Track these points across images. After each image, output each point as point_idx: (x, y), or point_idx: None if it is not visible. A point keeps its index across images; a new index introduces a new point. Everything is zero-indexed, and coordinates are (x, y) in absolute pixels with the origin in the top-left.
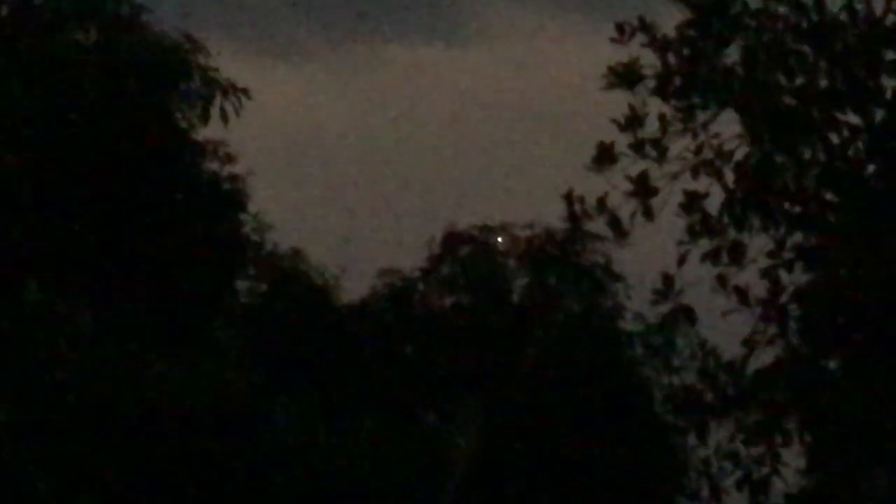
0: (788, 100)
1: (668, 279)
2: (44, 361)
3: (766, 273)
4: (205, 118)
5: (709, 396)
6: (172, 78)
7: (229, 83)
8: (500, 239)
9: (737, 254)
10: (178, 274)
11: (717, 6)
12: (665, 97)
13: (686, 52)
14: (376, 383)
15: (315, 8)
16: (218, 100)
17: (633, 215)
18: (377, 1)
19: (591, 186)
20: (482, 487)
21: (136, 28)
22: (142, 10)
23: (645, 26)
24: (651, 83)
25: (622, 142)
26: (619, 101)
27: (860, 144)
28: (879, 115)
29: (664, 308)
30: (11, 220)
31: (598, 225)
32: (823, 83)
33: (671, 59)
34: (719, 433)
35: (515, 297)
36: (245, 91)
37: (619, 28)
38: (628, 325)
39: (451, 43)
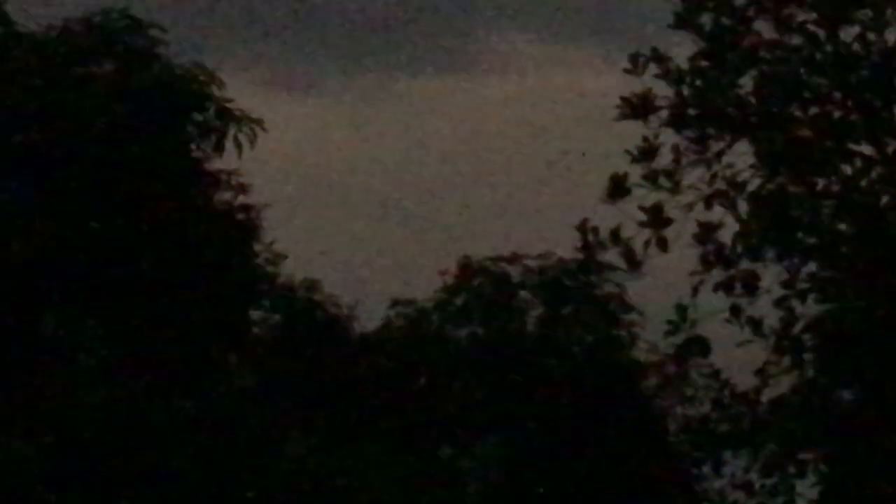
0: (802, 131)
1: (682, 309)
2: (59, 393)
3: (780, 303)
4: (219, 149)
5: (723, 427)
6: (187, 109)
7: (243, 114)
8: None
9: (751, 284)
10: (192, 305)
11: (731, 37)
12: (678, 128)
13: (699, 83)
14: (391, 415)
15: (328, 41)
16: (232, 131)
17: (646, 246)
18: (389, 33)
19: (605, 217)
20: None
21: (152, 60)
22: (157, 43)
23: (658, 57)
24: (664, 114)
25: (636, 173)
26: (632, 132)
27: (874, 175)
28: (893, 145)
29: (678, 339)
30: (28, 252)
31: (611, 256)
32: (837, 114)
33: (685, 90)
34: (734, 464)
35: (530, 328)
36: (259, 122)
37: (633, 59)
38: (642, 355)
39: (463, 75)
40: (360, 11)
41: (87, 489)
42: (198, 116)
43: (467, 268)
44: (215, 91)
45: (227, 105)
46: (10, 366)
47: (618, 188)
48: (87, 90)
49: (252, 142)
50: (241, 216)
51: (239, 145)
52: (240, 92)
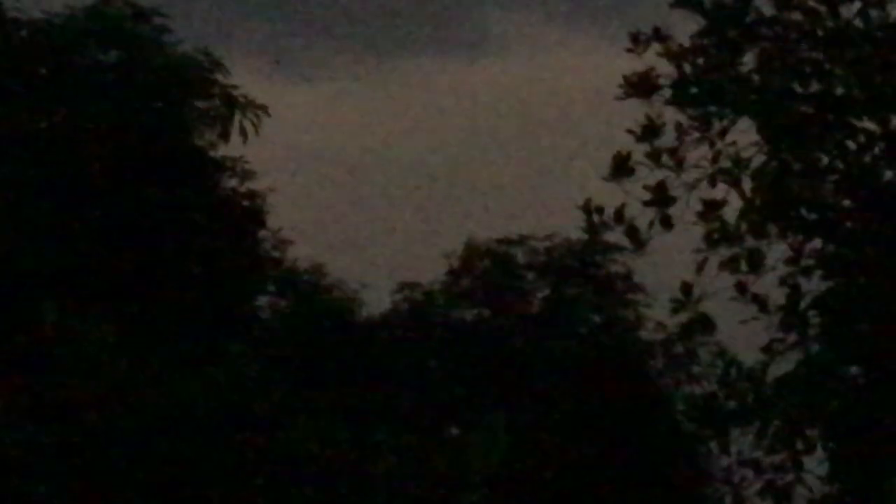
0: (804, 107)
1: (686, 288)
2: (63, 380)
3: (785, 280)
4: (224, 136)
5: (730, 404)
6: (191, 96)
7: (248, 100)
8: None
9: (755, 261)
10: (198, 291)
11: (732, 15)
12: (681, 106)
13: (701, 61)
14: (397, 397)
15: (332, 26)
16: (237, 117)
17: (651, 225)
18: (394, 17)
19: (609, 197)
20: (505, 499)
21: (157, 47)
22: (163, 30)
23: (660, 36)
24: (667, 92)
25: (639, 152)
26: (635, 111)
27: (877, 150)
28: (895, 121)
29: (683, 317)
30: (30, 239)
31: (616, 235)
32: (839, 90)
33: (687, 68)
34: (741, 441)
35: (535, 309)
36: (264, 108)
37: (634, 38)
38: (648, 334)
39: (467, 57)
40: None
41: (92, 476)
42: (202, 103)
43: (473, 250)
44: (220, 78)
45: (232, 92)
46: (13, 353)
47: (621, 167)
48: (90, 78)
49: (257, 128)
50: (246, 202)
51: (244, 132)
52: (246, 78)
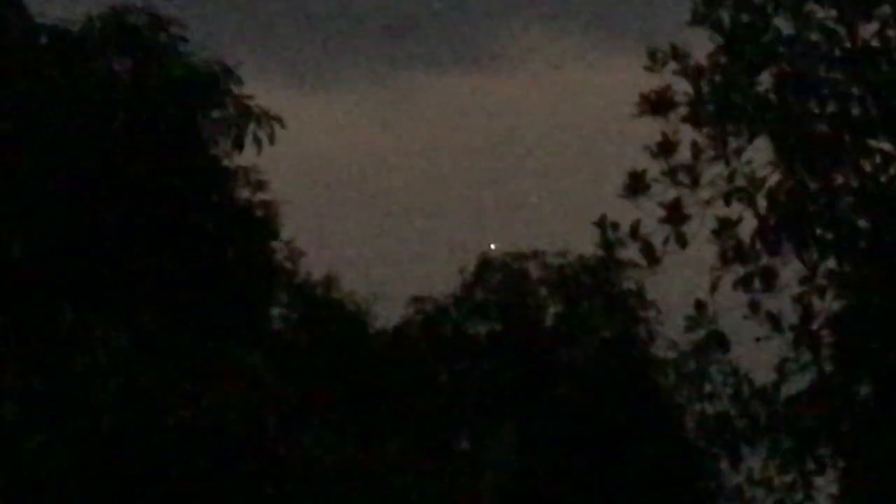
0: (821, 127)
1: (700, 305)
2: (78, 383)
3: (799, 299)
4: (238, 146)
5: (741, 423)
6: (206, 106)
7: (263, 111)
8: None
9: (769, 280)
10: (210, 301)
11: (750, 34)
12: (697, 124)
13: (718, 79)
14: (409, 409)
15: (350, 38)
16: (252, 127)
17: (665, 242)
18: (411, 31)
19: (624, 213)
20: None
21: (172, 56)
22: (178, 40)
23: (677, 54)
24: (683, 110)
25: (655, 169)
26: (651, 129)
27: (892, 171)
28: None
29: (697, 334)
30: (47, 243)
31: (630, 252)
32: (856, 110)
33: (704, 86)
34: (752, 460)
35: (548, 324)
36: (279, 119)
37: (652, 56)
38: (661, 351)
39: (483, 72)
40: (385, 10)
41: (106, 481)
42: (217, 113)
43: (486, 264)
44: (234, 88)
45: (247, 102)
46: (30, 357)
47: (637, 184)
48: (106, 85)
49: (272, 139)
50: (260, 213)
51: (258, 142)
52: (262, 89)
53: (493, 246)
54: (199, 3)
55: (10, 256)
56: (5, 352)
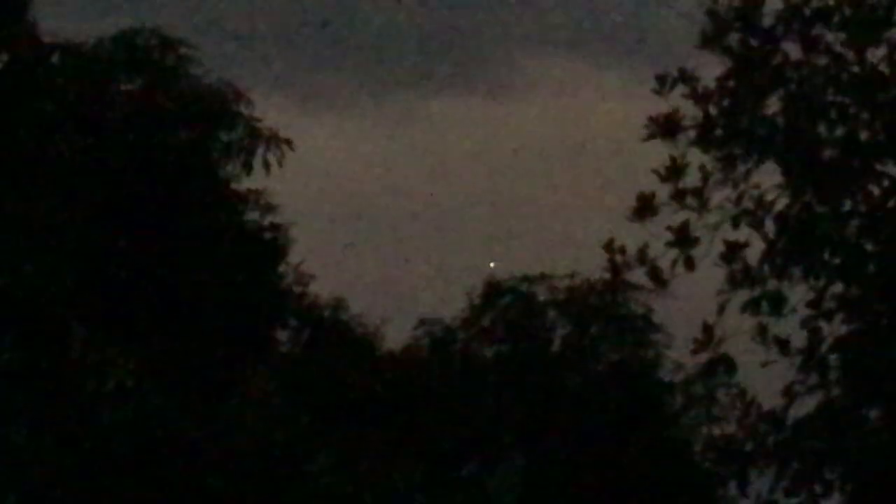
0: (829, 151)
1: (708, 329)
2: (89, 406)
3: (807, 323)
4: (247, 168)
5: (749, 446)
6: (215, 127)
7: (272, 133)
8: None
9: (777, 304)
10: (219, 324)
11: (758, 57)
12: (706, 148)
13: (727, 102)
14: (417, 432)
15: (358, 62)
16: (260, 150)
17: (673, 265)
18: (419, 54)
19: (632, 237)
20: None
21: (182, 78)
22: (188, 61)
23: (685, 77)
24: (692, 134)
25: (663, 192)
26: (659, 152)
27: None
28: None
29: (704, 358)
30: (57, 267)
31: (638, 275)
32: (864, 134)
33: (712, 109)
34: (759, 483)
35: (556, 347)
36: (288, 141)
37: (661, 79)
38: (668, 374)
39: (491, 96)
40: (393, 33)
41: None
42: (225, 136)
43: (494, 287)
44: (243, 110)
45: (256, 124)
46: (41, 380)
47: (645, 207)
48: (116, 107)
49: (280, 162)
50: (268, 235)
51: (267, 165)
52: (271, 111)
53: (492, 264)
54: (210, 26)
55: (23, 278)
56: (16, 373)
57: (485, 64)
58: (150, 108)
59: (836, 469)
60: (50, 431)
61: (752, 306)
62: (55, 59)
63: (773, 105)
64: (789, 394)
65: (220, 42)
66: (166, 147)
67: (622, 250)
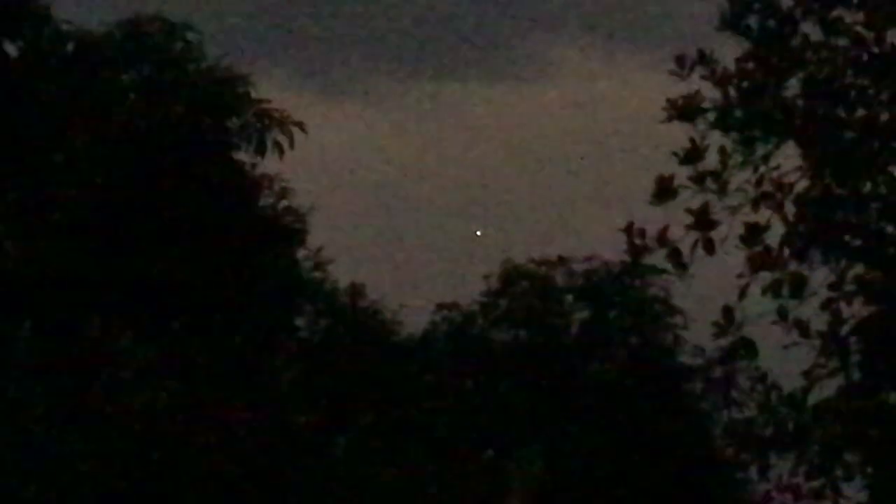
0: (849, 133)
1: (728, 312)
2: (106, 395)
3: (827, 306)
4: (260, 151)
5: (769, 430)
6: (225, 112)
7: (283, 115)
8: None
9: (798, 286)
10: (236, 310)
11: (778, 39)
12: (725, 130)
13: (746, 85)
14: (435, 418)
15: (379, 48)
16: (272, 133)
17: (693, 248)
18: (439, 42)
19: (652, 220)
20: None
21: (191, 64)
22: (196, 47)
23: (704, 59)
24: (711, 116)
25: (682, 175)
26: (678, 135)
27: None
28: None
29: (725, 341)
30: (74, 256)
31: (657, 258)
32: (884, 116)
33: (731, 92)
34: (780, 467)
35: (574, 332)
36: (300, 124)
37: (679, 61)
38: (687, 358)
39: (510, 82)
40: (410, 22)
41: (134, 490)
42: (236, 120)
43: (512, 272)
44: (253, 94)
45: (266, 107)
46: (58, 367)
47: (664, 191)
48: (127, 94)
49: (292, 143)
50: (285, 220)
51: (280, 148)
52: (290, 96)
53: (478, 233)
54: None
55: (39, 266)
56: (33, 362)
57: (502, 49)
58: (159, 94)
59: (857, 453)
60: (68, 420)
61: (772, 289)
62: (70, 47)
63: (792, 87)
64: (810, 377)
65: (228, 25)
66: (178, 132)
67: (642, 233)
